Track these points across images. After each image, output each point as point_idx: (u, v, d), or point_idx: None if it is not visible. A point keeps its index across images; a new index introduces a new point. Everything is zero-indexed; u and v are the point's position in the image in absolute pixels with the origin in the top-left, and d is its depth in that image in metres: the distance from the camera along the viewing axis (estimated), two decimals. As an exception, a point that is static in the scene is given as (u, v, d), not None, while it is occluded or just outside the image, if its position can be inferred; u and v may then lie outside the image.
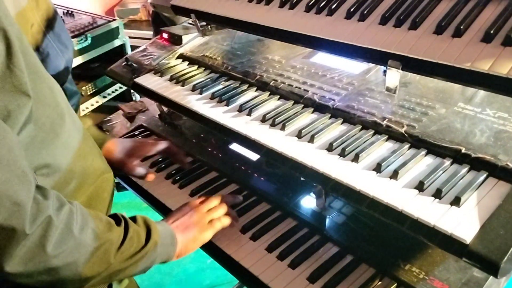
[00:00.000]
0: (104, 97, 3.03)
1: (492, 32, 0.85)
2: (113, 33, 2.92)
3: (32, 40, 1.62)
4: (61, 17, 2.48)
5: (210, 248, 1.11)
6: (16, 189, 0.67)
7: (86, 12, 3.11)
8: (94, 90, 2.98)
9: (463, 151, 0.88)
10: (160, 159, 1.46)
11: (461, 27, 0.88)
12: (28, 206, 0.69)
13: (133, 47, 2.91)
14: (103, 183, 0.99)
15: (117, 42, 2.96)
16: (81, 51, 2.69)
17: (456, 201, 0.78)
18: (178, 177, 1.37)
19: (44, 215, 0.71)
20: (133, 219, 0.92)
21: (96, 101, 2.97)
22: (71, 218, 0.76)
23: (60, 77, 1.78)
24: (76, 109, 2.04)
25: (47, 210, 0.72)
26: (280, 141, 1.04)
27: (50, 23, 1.71)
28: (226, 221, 1.09)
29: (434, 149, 0.92)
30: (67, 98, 1.96)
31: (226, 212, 1.11)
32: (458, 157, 0.89)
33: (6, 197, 0.66)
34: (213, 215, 1.08)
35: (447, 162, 0.88)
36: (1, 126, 0.68)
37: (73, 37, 2.60)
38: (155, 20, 2.98)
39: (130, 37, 3.22)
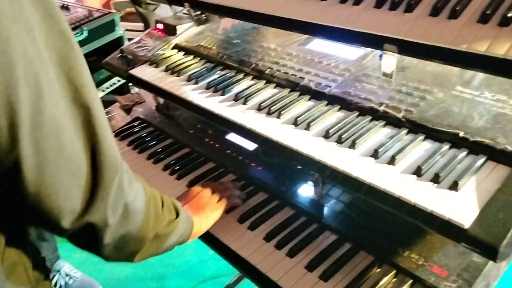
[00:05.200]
0: (103, 90, 3.01)
1: (488, 12, 0.83)
2: (110, 26, 2.89)
3: None
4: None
5: (210, 239, 1.11)
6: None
7: (82, 5, 3.08)
8: (92, 84, 2.96)
9: (461, 135, 0.87)
10: (159, 149, 1.46)
11: (457, 8, 0.86)
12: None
13: (130, 40, 2.88)
14: None
15: (114, 35, 2.94)
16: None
17: (454, 186, 0.77)
18: (176, 168, 1.36)
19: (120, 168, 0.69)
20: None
21: (95, 95, 2.96)
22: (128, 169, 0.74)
23: None
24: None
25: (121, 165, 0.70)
26: (276, 129, 1.02)
27: None
28: (235, 199, 1.15)
29: (432, 134, 0.91)
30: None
31: (231, 193, 1.15)
32: (456, 141, 0.87)
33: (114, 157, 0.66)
34: (220, 195, 1.12)
35: (445, 146, 0.87)
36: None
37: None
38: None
39: (127, 30, 3.20)
